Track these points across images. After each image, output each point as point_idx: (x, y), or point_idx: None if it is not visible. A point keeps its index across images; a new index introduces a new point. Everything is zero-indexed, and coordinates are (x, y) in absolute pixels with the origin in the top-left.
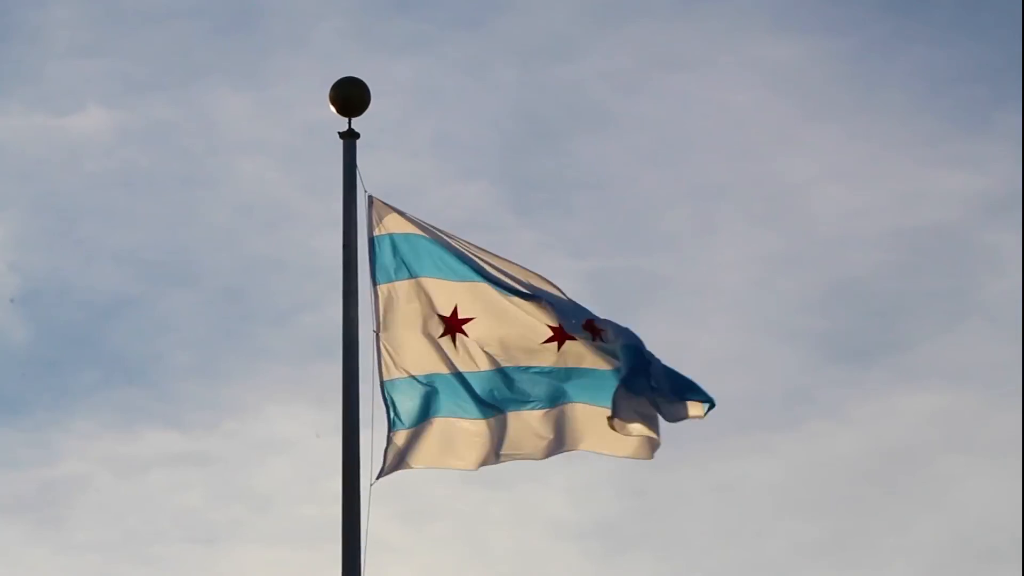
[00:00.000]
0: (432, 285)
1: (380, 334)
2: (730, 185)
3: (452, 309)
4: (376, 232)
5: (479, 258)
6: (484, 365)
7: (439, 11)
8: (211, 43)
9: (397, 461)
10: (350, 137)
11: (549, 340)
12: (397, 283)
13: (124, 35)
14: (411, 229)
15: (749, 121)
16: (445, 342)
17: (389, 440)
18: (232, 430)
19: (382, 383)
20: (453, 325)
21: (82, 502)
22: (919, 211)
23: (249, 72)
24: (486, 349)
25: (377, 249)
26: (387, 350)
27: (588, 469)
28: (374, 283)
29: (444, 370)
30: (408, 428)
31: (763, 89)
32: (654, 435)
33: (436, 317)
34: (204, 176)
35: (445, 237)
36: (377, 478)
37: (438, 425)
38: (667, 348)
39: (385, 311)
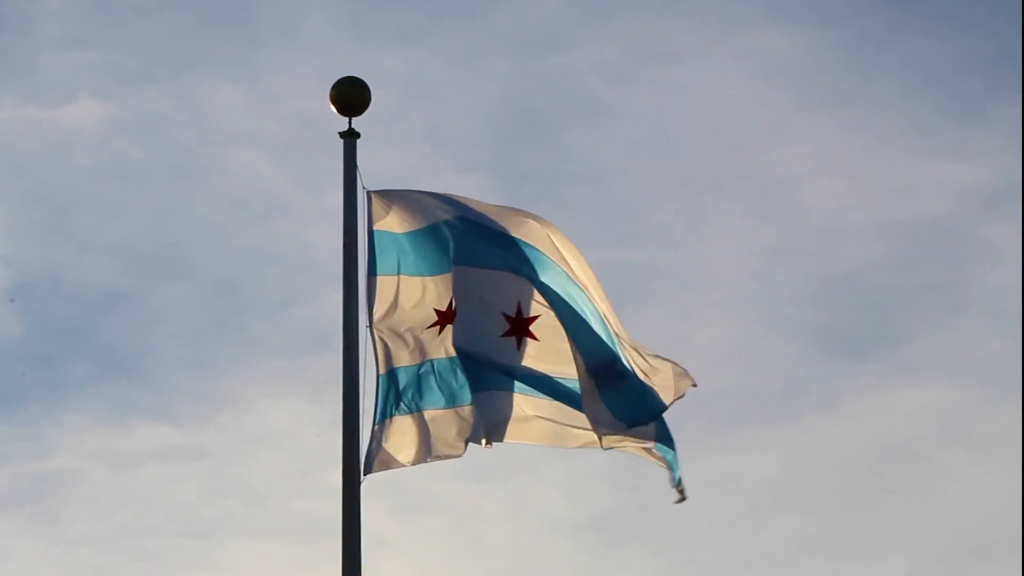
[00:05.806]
0: (430, 282)
1: (376, 326)
2: (724, 177)
3: (448, 303)
4: (376, 227)
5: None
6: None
7: (432, 2)
8: (203, 34)
9: (383, 456)
10: (351, 137)
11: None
12: (393, 277)
13: (115, 27)
14: (411, 227)
15: (743, 113)
16: (433, 333)
17: (373, 434)
18: (225, 424)
19: (377, 376)
20: (446, 319)
21: (75, 496)
22: (914, 203)
23: (241, 64)
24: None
25: (377, 243)
26: (383, 342)
27: (583, 463)
28: (371, 275)
29: (430, 358)
30: (390, 418)
31: (757, 81)
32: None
33: (432, 311)
34: (196, 168)
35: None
36: (365, 474)
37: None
38: (662, 342)
39: (381, 303)
